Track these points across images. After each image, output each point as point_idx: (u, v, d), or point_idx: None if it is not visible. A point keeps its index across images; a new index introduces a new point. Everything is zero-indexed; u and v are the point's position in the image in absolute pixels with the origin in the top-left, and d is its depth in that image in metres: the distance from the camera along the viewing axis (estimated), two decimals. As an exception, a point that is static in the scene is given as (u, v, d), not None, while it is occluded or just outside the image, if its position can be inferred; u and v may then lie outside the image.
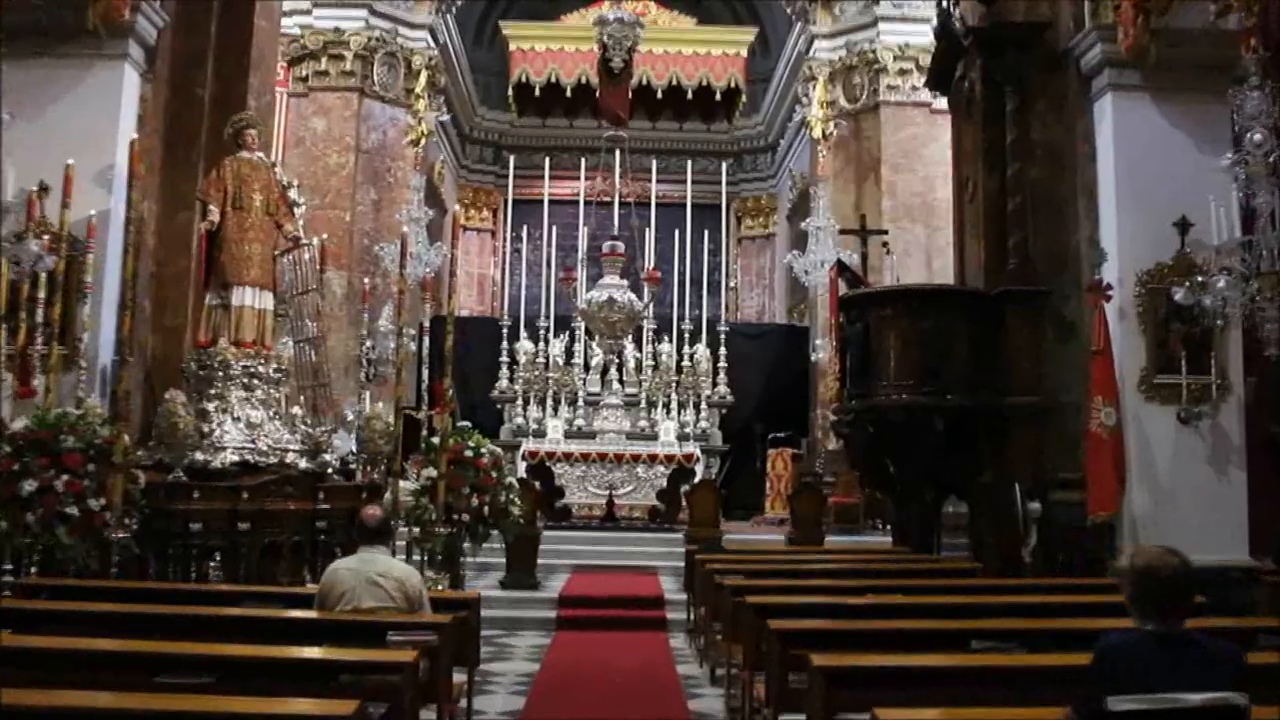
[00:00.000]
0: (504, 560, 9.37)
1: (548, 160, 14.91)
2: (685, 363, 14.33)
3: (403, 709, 3.41)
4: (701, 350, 14.38)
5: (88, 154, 7.37)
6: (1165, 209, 7.72)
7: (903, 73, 14.58)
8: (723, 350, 14.42)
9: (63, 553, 5.86)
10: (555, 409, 14.06)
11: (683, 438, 13.49)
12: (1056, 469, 7.88)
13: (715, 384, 14.34)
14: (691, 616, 8.12)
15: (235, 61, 8.69)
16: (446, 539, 7.19)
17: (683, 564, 9.57)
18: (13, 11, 6.82)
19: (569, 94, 15.58)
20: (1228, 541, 7.47)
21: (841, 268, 8.97)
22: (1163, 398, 7.66)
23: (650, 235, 14.18)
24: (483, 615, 7.90)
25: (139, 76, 8.11)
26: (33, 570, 5.95)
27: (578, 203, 14.85)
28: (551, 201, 14.52)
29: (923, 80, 14.24)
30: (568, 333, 14.59)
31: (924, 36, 14.38)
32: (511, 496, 7.66)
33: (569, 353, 14.48)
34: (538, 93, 15.65)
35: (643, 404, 14.14)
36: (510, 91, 15.98)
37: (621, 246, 12.24)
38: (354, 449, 8.58)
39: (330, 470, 7.28)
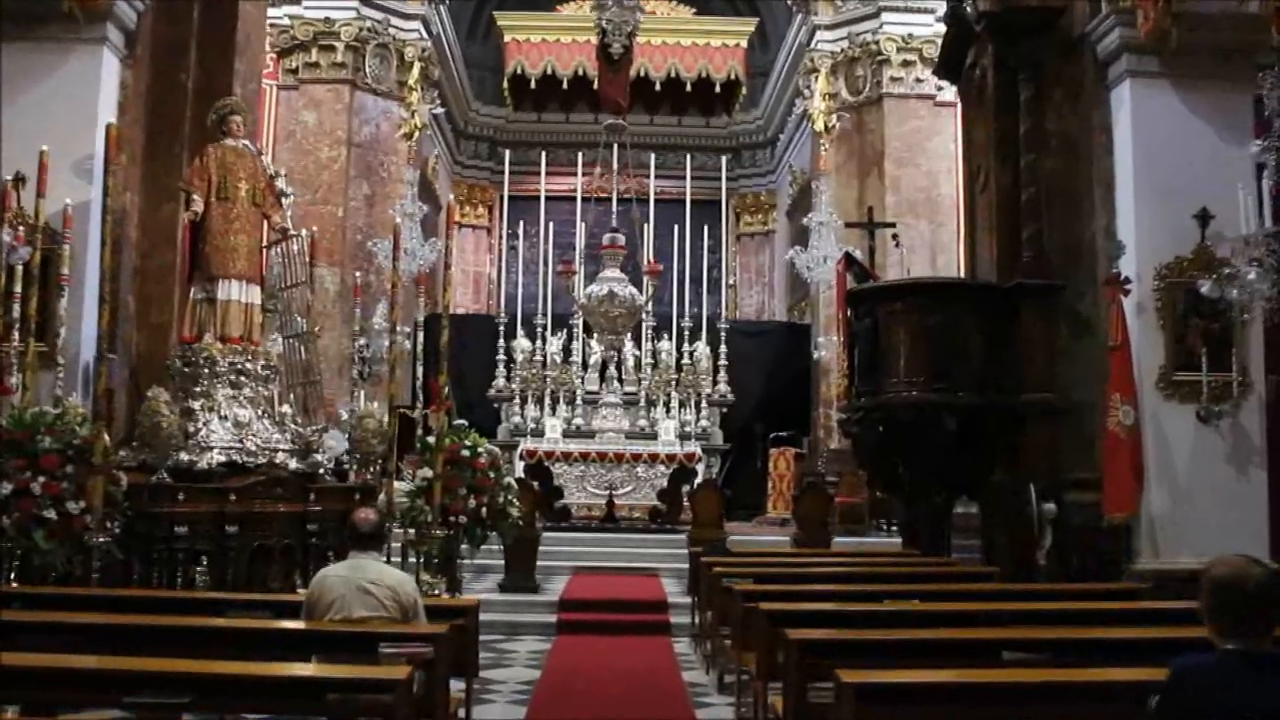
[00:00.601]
0: (503, 562, 9.12)
1: (544, 155, 14.64)
2: (685, 361, 14.07)
3: (396, 729, 3.14)
4: (702, 348, 14.12)
5: (66, 142, 7.08)
6: (1185, 200, 7.48)
7: (906, 64, 14.38)
8: (723, 348, 14.17)
9: (41, 558, 5.60)
10: (553, 408, 13.81)
11: (683, 437, 13.24)
12: (1071, 469, 7.64)
13: (716, 382, 14.08)
14: (696, 620, 7.87)
15: (220, 47, 8.38)
16: (443, 541, 6.93)
17: (685, 566, 9.34)
18: (-18, -6, 6.55)
19: (565, 86, 15.26)
20: (1248, 544, 7.13)
21: (849, 261, 8.72)
22: (1182, 395, 7.42)
23: (649, 231, 13.93)
24: (481, 620, 7.64)
25: (119, 62, 7.82)
26: (12, 576, 5.67)
27: (574, 199, 14.59)
28: (548, 198, 14.27)
29: (927, 72, 14.07)
30: (565, 330, 14.36)
31: (928, 27, 14.22)
32: (510, 497, 7.39)
33: (567, 351, 14.24)
34: (533, 85, 15.34)
35: (642, 403, 13.88)
36: (505, 84, 15.67)
37: (622, 239, 11.97)
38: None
39: (321, 471, 7.00)
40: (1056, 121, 8.11)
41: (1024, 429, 7.65)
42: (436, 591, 6.85)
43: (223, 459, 6.55)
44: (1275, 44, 5.82)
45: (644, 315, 13.27)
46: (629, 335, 13.48)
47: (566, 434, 13.25)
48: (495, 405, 14.00)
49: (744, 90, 15.99)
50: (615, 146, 12.24)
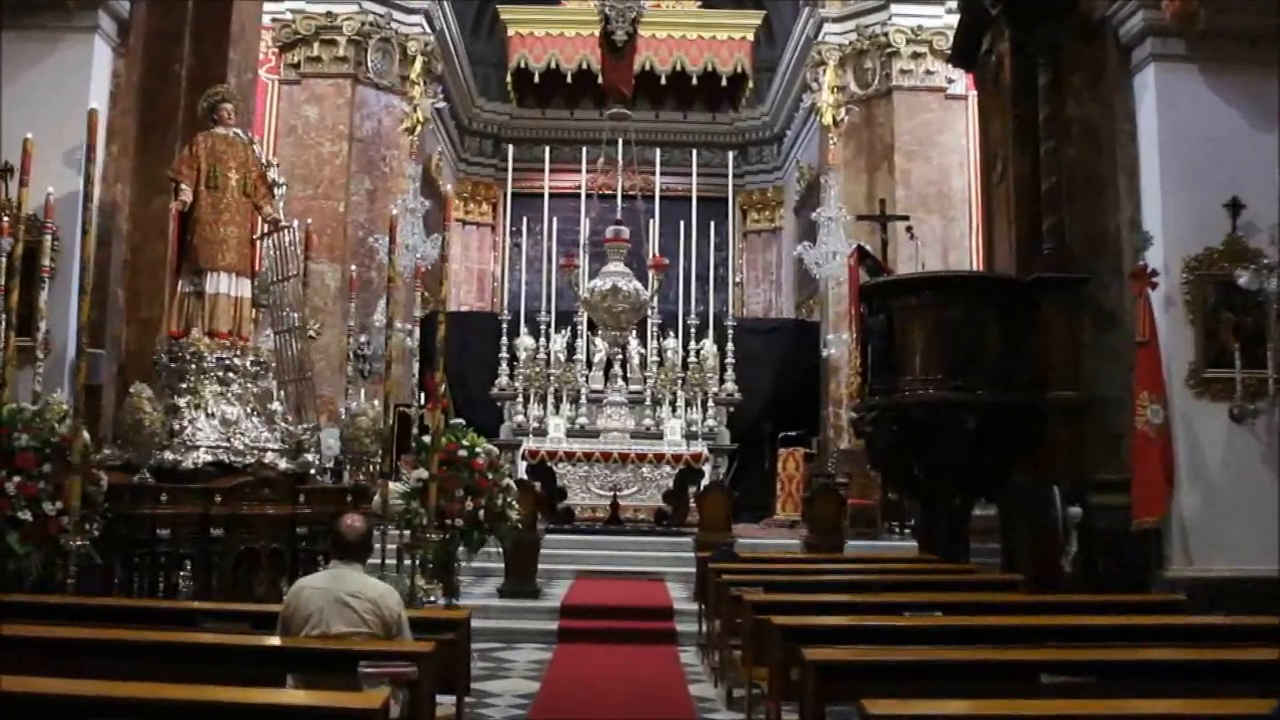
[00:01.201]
0: (503, 566, 8.83)
1: (548, 151, 14.35)
2: (691, 359, 13.76)
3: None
4: (708, 346, 13.80)
5: (56, 133, 6.86)
6: (1213, 189, 7.21)
7: (916, 56, 14.06)
8: (730, 346, 13.84)
9: (15, 562, 5.32)
10: (557, 407, 13.50)
11: (689, 437, 12.92)
12: (1096, 470, 7.33)
13: (722, 381, 13.75)
14: (703, 629, 7.56)
15: (215, 36, 8.14)
16: (439, 545, 6.64)
17: (691, 570, 9.06)
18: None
19: (569, 80, 14.96)
20: (1285, 551, 6.92)
21: (862, 254, 8.41)
22: (1213, 393, 7.13)
23: (655, 228, 13.63)
24: (480, 626, 7.40)
25: (111, 51, 7.60)
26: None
27: (579, 196, 14.30)
28: (552, 195, 13.96)
29: (937, 64, 13.83)
30: (569, 328, 14.07)
31: (938, 18, 13.93)
32: (509, 499, 7.12)
33: (571, 349, 13.94)
34: (537, 79, 15.04)
35: (647, 401, 13.56)
36: (509, 78, 15.37)
37: (626, 231, 11.64)
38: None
39: (313, 471, 6.71)
40: (1077, 108, 7.81)
41: (1046, 428, 7.34)
42: (433, 598, 6.57)
43: (209, 458, 6.25)
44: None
45: (649, 311, 12.95)
46: (634, 333, 13.18)
47: (570, 433, 12.97)
48: (498, 404, 13.72)
49: (751, 84, 15.65)
50: (620, 141, 11.95)
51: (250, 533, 6.11)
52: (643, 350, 13.93)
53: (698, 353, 13.79)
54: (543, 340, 13.76)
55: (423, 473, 6.54)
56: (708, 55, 14.90)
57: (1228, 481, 7.03)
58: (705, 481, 11.76)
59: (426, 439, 6.72)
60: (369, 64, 14.37)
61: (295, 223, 7.26)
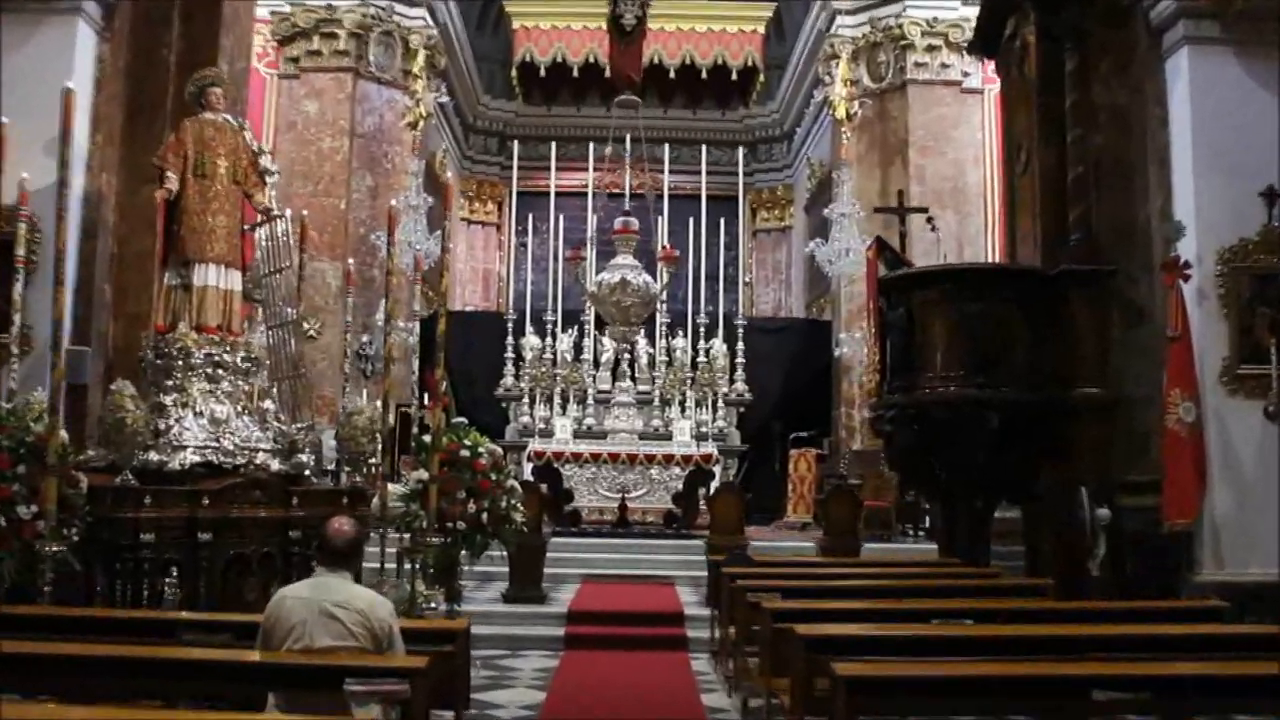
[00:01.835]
0: (507, 570, 8.53)
1: (554, 148, 14.05)
2: (701, 359, 13.44)
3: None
4: (718, 345, 13.47)
5: (37, 121, 6.54)
6: (1249, 177, 6.95)
7: (931, 49, 13.75)
8: (740, 345, 13.52)
9: (-13, 569, 5.04)
10: (563, 407, 13.18)
11: (699, 437, 12.60)
12: (1125, 470, 7.05)
13: (733, 381, 13.42)
14: (716, 636, 7.25)
15: (205, 20, 7.86)
16: (440, 550, 6.34)
17: (702, 573, 8.76)
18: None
19: (576, 74, 14.65)
20: (1322, 552, 6.61)
21: (882, 246, 8.10)
22: (1248, 391, 6.87)
23: (664, 225, 13.32)
24: (483, 633, 7.11)
25: (95, 34, 7.33)
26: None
27: (585, 194, 14.00)
28: (558, 193, 13.67)
29: (953, 57, 13.53)
30: (576, 327, 13.75)
31: (954, 10, 13.62)
32: (513, 502, 6.80)
33: (578, 348, 13.62)
34: (543, 73, 14.73)
35: (656, 402, 13.24)
36: (514, 73, 15.07)
37: (635, 223, 11.31)
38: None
39: (307, 472, 6.42)
40: (1105, 94, 7.52)
41: (1072, 427, 7.06)
42: (434, 604, 6.27)
43: (197, 459, 5.96)
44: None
45: (658, 306, 12.62)
46: (642, 331, 12.86)
47: (577, 434, 12.65)
48: (504, 405, 13.41)
49: (761, 78, 15.33)
50: (628, 137, 11.63)
51: (240, 537, 5.83)
52: (651, 350, 13.61)
53: (707, 352, 13.46)
54: (549, 340, 13.46)
55: (423, 474, 6.24)
56: (717, 48, 14.63)
57: (1262, 482, 6.79)
58: (715, 483, 11.44)
59: (427, 439, 6.42)
60: (370, 58, 14.08)
61: (288, 212, 6.96)
